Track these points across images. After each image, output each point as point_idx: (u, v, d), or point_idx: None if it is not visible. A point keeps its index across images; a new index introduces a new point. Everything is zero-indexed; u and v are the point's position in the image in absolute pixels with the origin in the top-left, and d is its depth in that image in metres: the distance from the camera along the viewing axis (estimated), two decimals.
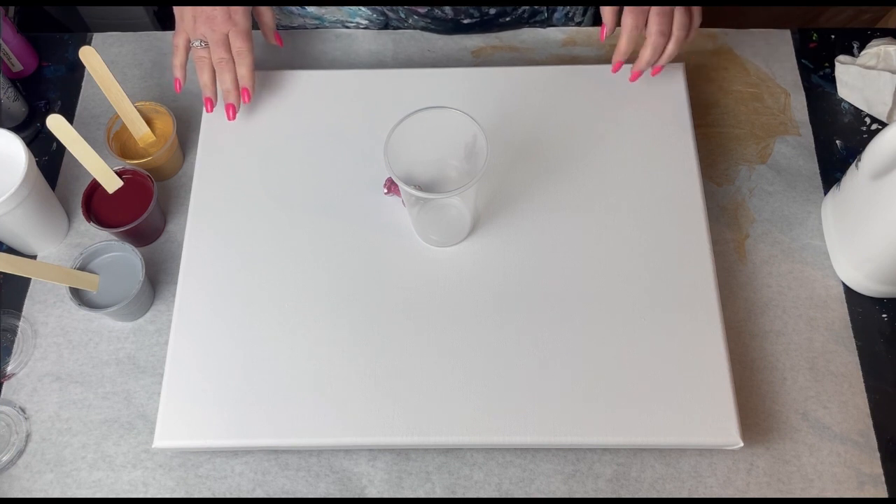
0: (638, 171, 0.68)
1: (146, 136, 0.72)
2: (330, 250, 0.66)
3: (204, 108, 0.70)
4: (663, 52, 0.66)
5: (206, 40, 0.67)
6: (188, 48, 0.69)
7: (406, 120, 0.57)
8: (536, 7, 0.81)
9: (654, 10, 0.65)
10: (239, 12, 0.67)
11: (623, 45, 0.66)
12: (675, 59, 0.76)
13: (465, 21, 0.79)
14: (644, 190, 0.67)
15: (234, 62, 0.68)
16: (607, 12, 0.66)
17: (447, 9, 0.78)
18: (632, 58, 0.68)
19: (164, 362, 0.61)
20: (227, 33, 0.67)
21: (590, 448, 0.61)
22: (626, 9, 0.65)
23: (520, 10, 0.80)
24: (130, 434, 0.63)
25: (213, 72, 0.68)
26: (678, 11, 0.65)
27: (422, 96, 0.71)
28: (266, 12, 0.71)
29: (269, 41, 0.73)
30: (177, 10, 0.68)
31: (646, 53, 0.66)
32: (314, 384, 0.60)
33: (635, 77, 0.69)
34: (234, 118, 0.69)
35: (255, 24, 0.71)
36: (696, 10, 0.67)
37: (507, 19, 0.80)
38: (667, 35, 0.65)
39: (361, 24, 0.83)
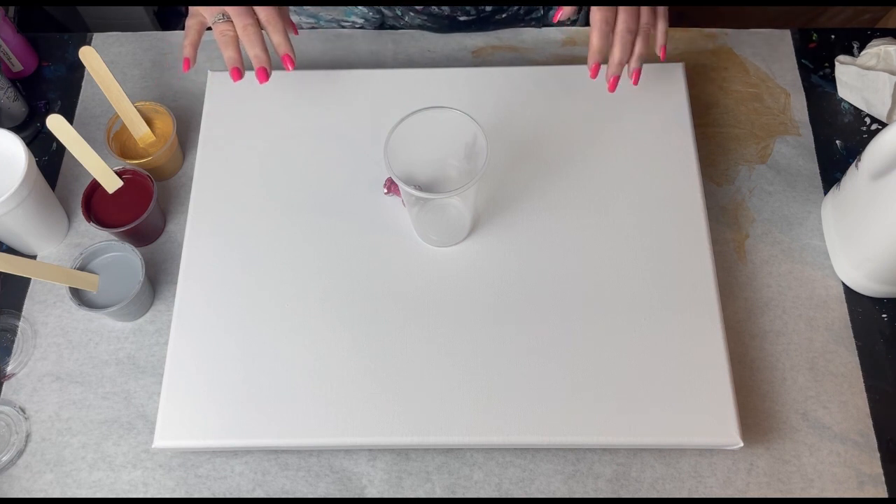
0: (638, 171, 0.68)
1: (146, 136, 0.72)
2: (330, 250, 0.66)
3: (231, 77, 0.64)
4: (632, 50, 0.64)
5: (226, 14, 0.63)
6: (202, 30, 0.67)
7: (406, 120, 0.57)
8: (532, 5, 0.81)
9: (622, 7, 0.63)
10: None
11: (595, 42, 0.63)
12: (675, 59, 0.77)
13: (462, 18, 0.79)
14: (644, 190, 0.67)
15: (260, 28, 0.64)
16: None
17: (443, 5, 0.78)
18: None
19: (164, 362, 0.61)
20: (251, 7, 0.63)
21: (590, 448, 0.61)
22: (594, 7, 0.63)
23: (516, 7, 0.80)
24: (130, 434, 0.63)
25: (237, 46, 0.64)
26: (643, 10, 0.63)
27: (422, 96, 0.71)
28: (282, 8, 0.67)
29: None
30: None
31: (615, 52, 0.63)
32: (314, 384, 0.60)
33: (613, 86, 0.64)
34: (266, 80, 0.64)
35: None
36: (661, 9, 0.65)
37: (503, 16, 0.80)
38: (633, 32, 0.63)
39: (357, 23, 0.83)
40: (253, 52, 0.64)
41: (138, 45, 0.82)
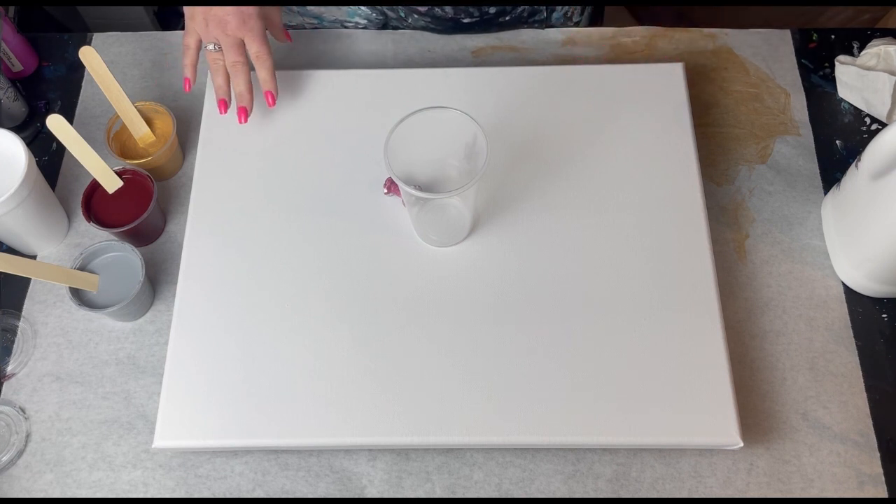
0: (638, 171, 0.68)
1: (146, 136, 0.72)
2: (330, 250, 0.66)
3: (218, 110, 0.68)
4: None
5: (218, 43, 0.66)
6: (199, 47, 0.69)
7: (406, 120, 0.57)
8: (535, 6, 0.81)
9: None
10: (253, 17, 0.65)
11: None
12: (675, 59, 0.77)
13: (465, 20, 0.79)
14: (644, 190, 0.67)
15: (248, 66, 0.67)
16: None
17: (447, 7, 0.78)
18: None
19: (164, 362, 0.61)
20: (242, 38, 0.66)
21: (590, 448, 0.61)
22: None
23: (519, 9, 0.80)
24: (130, 434, 0.63)
25: (227, 74, 0.68)
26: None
27: (422, 96, 0.71)
28: (273, 11, 0.70)
29: (279, 40, 0.73)
30: (187, 9, 0.67)
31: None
32: (314, 384, 0.60)
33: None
34: (245, 121, 0.68)
35: None
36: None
37: (507, 18, 0.80)
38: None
39: (360, 24, 0.83)
40: (238, 88, 0.67)
41: (138, 45, 0.82)
